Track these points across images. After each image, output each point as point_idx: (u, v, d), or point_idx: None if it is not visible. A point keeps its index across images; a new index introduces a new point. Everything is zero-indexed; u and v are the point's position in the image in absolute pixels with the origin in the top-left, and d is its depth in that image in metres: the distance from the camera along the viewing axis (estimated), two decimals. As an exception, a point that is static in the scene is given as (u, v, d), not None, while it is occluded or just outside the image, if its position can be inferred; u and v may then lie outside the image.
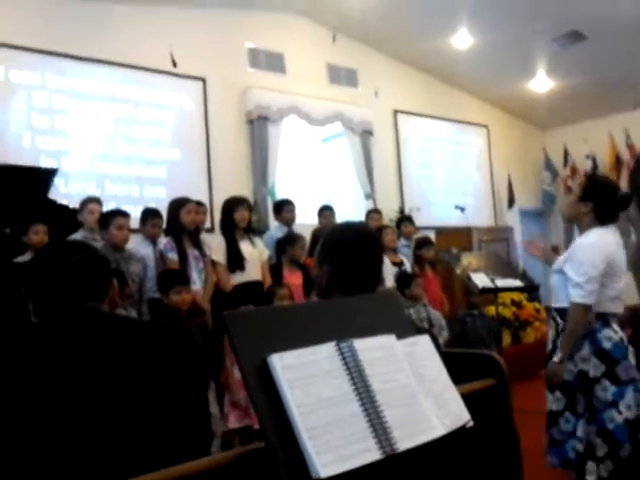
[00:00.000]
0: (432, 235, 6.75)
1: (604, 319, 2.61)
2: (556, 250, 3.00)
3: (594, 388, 2.55)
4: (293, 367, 1.09)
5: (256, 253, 4.57)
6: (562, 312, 2.70)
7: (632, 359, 2.60)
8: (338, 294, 1.55)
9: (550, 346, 2.79)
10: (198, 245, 4.34)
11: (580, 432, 2.56)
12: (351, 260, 1.59)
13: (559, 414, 2.65)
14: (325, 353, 1.14)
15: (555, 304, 2.77)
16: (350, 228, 1.76)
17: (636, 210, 1.41)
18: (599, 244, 2.61)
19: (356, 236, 1.65)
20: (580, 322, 2.59)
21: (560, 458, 2.63)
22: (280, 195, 6.94)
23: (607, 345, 2.57)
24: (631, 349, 2.62)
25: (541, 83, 9.31)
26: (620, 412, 2.49)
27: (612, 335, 2.59)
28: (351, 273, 1.59)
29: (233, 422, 3.76)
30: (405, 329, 1.31)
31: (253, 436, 3.64)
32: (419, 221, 6.75)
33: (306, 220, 6.11)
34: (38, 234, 3.88)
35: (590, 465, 2.50)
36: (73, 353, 1.31)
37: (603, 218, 2.65)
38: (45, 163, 5.82)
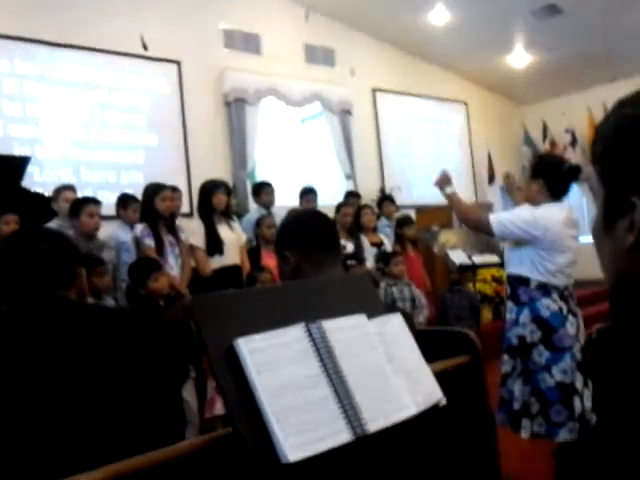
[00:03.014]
0: (413, 214, 6.73)
1: (545, 289, 2.78)
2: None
3: (531, 352, 2.75)
4: (260, 350, 1.07)
5: (234, 237, 4.54)
6: (510, 278, 2.91)
7: (570, 328, 2.77)
8: (310, 270, 1.56)
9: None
10: (173, 231, 4.30)
11: (517, 392, 2.76)
12: (309, 234, 1.66)
13: (507, 375, 2.84)
14: (294, 335, 1.12)
15: (507, 269, 2.99)
16: (294, 212, 2.01)
17: (598, 183, 1.40)
18: (538, 217, 2.78)
19: (302, 215, 1.90)
20: (473, 220, 2.91)
21: (507, 416, 2.81)
22: (260, 177, 6.88)
23: (545, 313, 2.75)
24: (571, 319, 2.79)
25: (519, 58, 9.29)
26: (552, 375, 2.68)
27: (551, 304, 2.76)
28: (314, 243, 1.64)
29: (220, 408, 3.73)
30: (376, 308, 1.29)
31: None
32: (400, 200, 6.75)
33: (287, 202, 6.07)
34: (9, 224, 3.80)
35: (524, 422, 2.74)
36: (40, 341, 1.28)
37: (555, 192, 2.84)
38: (18, 151, 5.70)
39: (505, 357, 2.86)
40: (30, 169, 4.94)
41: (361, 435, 1.05)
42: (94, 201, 4.05)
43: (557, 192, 2.85)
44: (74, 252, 1.48)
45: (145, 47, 6.05)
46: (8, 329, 1.34)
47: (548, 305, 2.76)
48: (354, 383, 1.11)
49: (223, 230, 4.49)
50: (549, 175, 2.84)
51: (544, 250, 2.77)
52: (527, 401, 2.74)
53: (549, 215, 2.78)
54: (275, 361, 1.07)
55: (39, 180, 5.77)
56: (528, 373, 2.76)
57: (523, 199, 3.08)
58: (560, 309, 2.76)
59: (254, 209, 5.62)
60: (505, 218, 2.82)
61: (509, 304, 2.90)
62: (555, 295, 2.79)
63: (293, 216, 1.83)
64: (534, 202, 2.89)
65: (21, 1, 5.85)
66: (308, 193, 5.77)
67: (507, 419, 2.81)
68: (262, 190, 5.31)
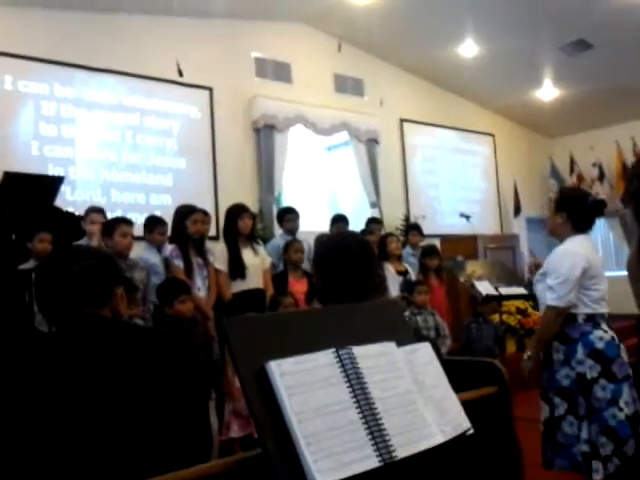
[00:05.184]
0: (437, 243, 6.73)
1: (593, 320, 2.71)
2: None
3: (593, 389, 2.61)
4: (291, 374, 1.08)
5: (258, 261, 4.57)
6: None
7: (624, 356, 2.69)
8: (329, 303, 1.57)
9: (542, 355, 2.86)
10: (202, 253, 4.35)
11: (584, 434, 2.60)
12: (329, 271, 1.64)
13: (561, 418, 2.69)
14: (324, 360, 1.13)
15: (541, 312, 2.88)
16: (331, 240, 1.82)
17: (633, 219, 1.37)
18: (575, 249, 2.74)
19: (333, 248, 1.70)
20: (552, 324, 2.73)
21: (569, 461, 2.66)
22: (286, 203, 6.94)
23: (600, 345, 2.65)
24: (622, 346, 2.72)
25: (547, 91, 9.31)
26: (621, 409, 2.57)
27: (603, 335, 2.68)
28: (331, 284, 1.62)
29: (236, 431, 3.73)
30: (405, 336, 1.30)
31: (254, 444, 3.61)
32: (425, 229, 6.75)
33: (312, 228, 6.11)
34: (43, 242, 3.90)
35: (595, 464, 2.56)
36: (74, 359, 1.31)
37: (579, 226, 2.79)
38: (52, 171, 5.86)
39: (557, 399, 2.71)
40: (62, 188, 5.08)
41: (389, 461, 1.05)
42: (127, 221, 4.11)
43: (581, 226, 2.80)
44: (111, 272, 1.50)
45: (181, 73, 6.20)
46: (41, 347, 1.38)
47: (601, 336, 2.67)
48: (383, 410, 1.11)
49: (247, 254, 4.51)
50: (573, 209, 2.79)
51: (589, 279, 2.70)
52: (595, 442, 2.58)
53: (583, 244, 2.76)
54: (305, 385, 1.08)
55: (71, 199, 5.91)
56: (593, 412, 2.60)
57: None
58: (612, 338, 2.69)
59: (279, 234, 5.66)
60: (553, 286, 2.71)
61: (554, 344, 2.76)
62: (604, 325, 2.71)
63: (321, 243, 1.80)
64: (557, 235, 2.86)
65: (61, 28, 6.06)
66: (339, 221, 5.77)
67: (568, 464, 2.66)
68: (285, 217, 5.34)
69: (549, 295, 2.72)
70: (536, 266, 3.06)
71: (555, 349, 2.76)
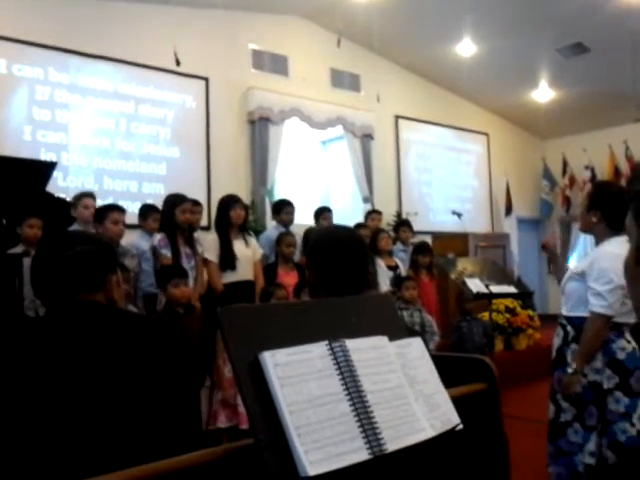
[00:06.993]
0: (429, 240, 6.76)
1: (619, 329, 2.53)
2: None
3: (607, 400, 2.46)
4: (284, 365, 1.09)
5: (249, 252, 4.55)
6: (577, 321, 2.60)
7: None
8: (322, 296, 1.58)
9: (554, 354, 2.71)
10: (191, 243, 4.33)
11: (592, 446, 2.46)
12: (325, 264, 1.62)
13: (567, 425, 2.56)
14: (317, 352, 1.14)
15: (570, 312, 2.66)
16: (326, 232, 1.80)
17: (632, 220, 1.32)
18: (623, 255, 2.53)
19: (329, 241, 1.67)
20: (599, 333, 2.50)
21: (568, 470, 2.54)
22: (279, 196, 6.93)
23: (621, 356, 2.49)
24: None
25: (543, 93, 9.34)
26: (633, 424, 2.42)
27: (626, 345, 2.52)
28: (326, 277, 1.61)
29: (223, 421, 3.74)
30: (398, 331, 1.31)
31: (241, 435, 3.61)
32: (416, 226, 6.78)
33: (304, 221, 6.11)
34: (33, 228, 3.87)
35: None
36: (65, 345, 1.31)
37: (614, 225, 2.53)
38: (45, 157, 5.83)
39: (566, 405, 2.56)
40: (54, 174, 5.04)
41: (379, 454, 1.06)
42: (119, 209, 4.09)
43: (617, 226, 2.50)
44: (106, 257, 1.48)
45: (178, 62, 6.17)
46: (31, 333, 1.37)
47: (623, 346, 2.50)
48: (374, 403, 1.12)
49: (239, 245, 4.49)
50: (608, 208, 2.55)
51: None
52: (605, 455, 2.43)
53: (626, 249, 2.56)
54: (298, 376, 1.09)
55: (62, 185, 5.89)
56: (605, 423, 2.44)
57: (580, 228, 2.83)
58: (634, 349, 2.52)
59: (272, 226, 5.65)
60: (601, 292, 2.47)
61: (572, 346, 2.60)
62: (628, 335, 2.54)
63: (317, 236, 1.78)
64: (594, 233, 2.65)
65: (57, 13, 6.01)
66: (324, 212, 5.78)
67: (567, 473, 2.52)
68: (282, 209, 5.31)
69: (597, 302, 2.49)
70: (550, 261, 2.87)
71: (572, 351, 2.60)
